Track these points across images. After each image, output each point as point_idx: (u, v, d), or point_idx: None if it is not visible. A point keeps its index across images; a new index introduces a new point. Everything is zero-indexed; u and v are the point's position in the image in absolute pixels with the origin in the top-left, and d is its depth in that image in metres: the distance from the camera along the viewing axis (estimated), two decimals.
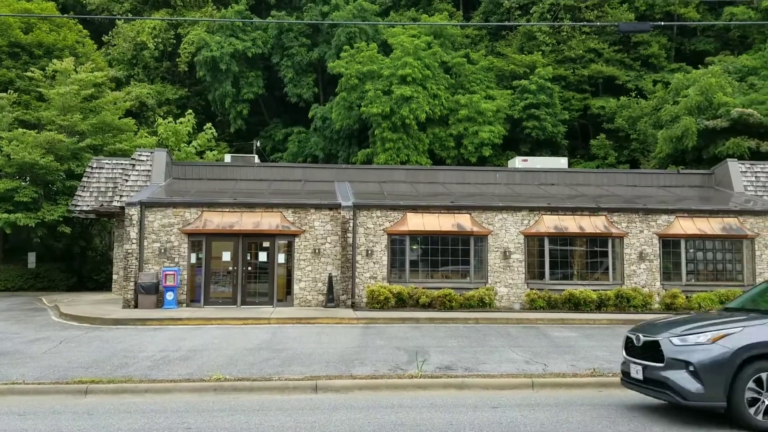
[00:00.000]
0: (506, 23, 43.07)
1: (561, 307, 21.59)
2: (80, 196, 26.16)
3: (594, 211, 23.04)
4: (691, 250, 23.15)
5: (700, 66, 38.68)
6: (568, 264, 22.82)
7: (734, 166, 26.87)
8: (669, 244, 22.97)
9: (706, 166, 30.71)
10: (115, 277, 26.42)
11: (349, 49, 40.23)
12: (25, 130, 28.90)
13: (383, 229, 22.20)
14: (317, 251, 22.04)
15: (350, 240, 21.87)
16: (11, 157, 27.62)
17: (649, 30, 14.92)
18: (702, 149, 32.91)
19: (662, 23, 15.96)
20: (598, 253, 22.90)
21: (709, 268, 23.14)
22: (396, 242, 22.33)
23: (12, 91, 32.20)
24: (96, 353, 14.29)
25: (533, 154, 38.52)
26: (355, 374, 12.24)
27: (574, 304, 21.51)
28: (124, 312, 20.41)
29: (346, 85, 38.92)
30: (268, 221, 21.92)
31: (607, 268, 22.81)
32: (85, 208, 25.98)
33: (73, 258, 32.28)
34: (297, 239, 22.07)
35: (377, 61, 38.87)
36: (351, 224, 21.93)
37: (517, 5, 44.79)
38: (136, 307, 21.17)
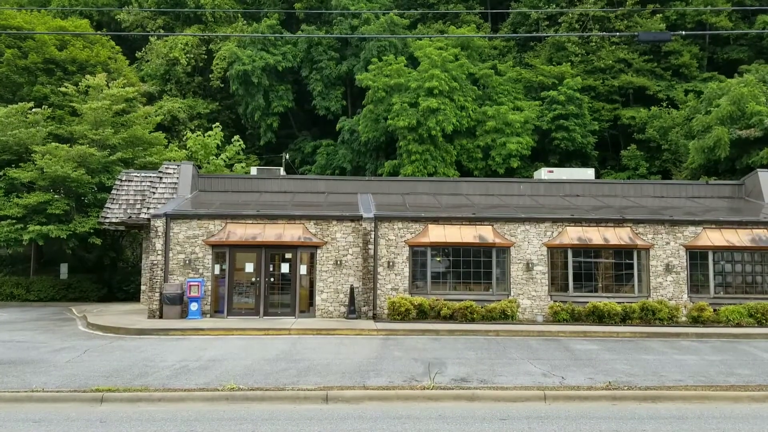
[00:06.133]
0: (534, 34, 42.93)
1: (585, 320, 21.30)
2: (109, 208, 26.66)
3: (619, 223, 22.75)
4: (720, 262, 22.67)
5: (735, 75, 38.01)
6: (593, 276, 22.54)
7: (765, 177, 26.30)
8: (696, 256, 22.54)
9: (739, 177, 30.09)
10: (143, 287, 26.81)
11: (377, 62, 40.47)
12: (58, 144, 29.54)
13: (405, 241, 22.22)
14: (339, 263, 22.14)
15: (371, 252, 21.93)
16: (44, 170, 28.25)
17: (669, 39, 14.74)
18: (735, 159, 32.30)
19: (683, 32, 15.67)
20: (623, 265, 22.58)
21: (738, 281, 22.64)
22: (417, 254, 22.32)
23: (46, 106, 32.98)
24: (117, 362, 14.53)
25: (563, 165, 38.25)
26: (367, 385, 12.26)
27: (598, 317, 21.21)
28: (149, 322, 20.71)
29: (373, 98, 39.15)
30: (291, 233, 22.11)
31: (632, 281, 22.47)
32: (114, 220, 26.45)
33: (104, 269, 32.86)
34: (319, 251, 22.20)
35: (404, 74, 39.04)
36: (372, 236, 21.99)
37: (545, 16, 44.63)
38: (161, 317, 21.47)
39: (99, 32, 42.51)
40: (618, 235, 22.47)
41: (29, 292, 30.55)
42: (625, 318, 21.19)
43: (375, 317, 21.61)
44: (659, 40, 15.99)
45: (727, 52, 43.41)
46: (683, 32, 15.91)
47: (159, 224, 22.05)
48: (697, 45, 43.40)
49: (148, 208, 25.17)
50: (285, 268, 22.36)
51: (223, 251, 22.19)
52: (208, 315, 21.85)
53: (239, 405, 11.13)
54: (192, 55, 46.13)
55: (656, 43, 39.81)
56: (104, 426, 9.80)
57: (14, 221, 28.36)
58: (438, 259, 22.55)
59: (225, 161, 36.88)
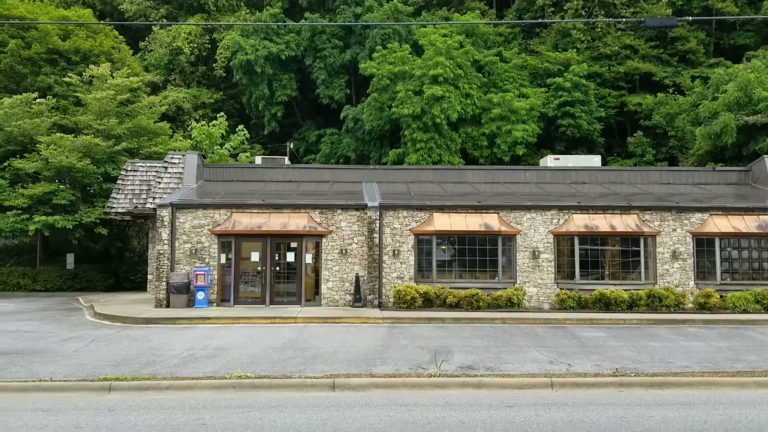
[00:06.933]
0: (539, 20, 42.67)
1: (591, 308, 21.26)
2: (115, 198, 26.70)
3: (625, 210, 22.66)
4: (727, 249, 22.61)
5: (744, 60, 37.71)
6: (599, 263, 22.48)
7: None
8: (703, 242, 22.47)
9: (746, 163, 29.93)
10: (149, 277, 26.89)
11: (381, 50, 40.29)
12: (62, 134, 29.56)
13: (410, 230, 22.18)
14: (344, 251, 22.13)
15: (377, 240, 21.90)
16: (49, 160, 28.26)
17: (676, 25, 14.61)
18: (742, 146, 32.12)
19: (690, 18, 15.54)
20: (629, 252, 22.51)
21: (745, 267, 22.56)
22: (423, 242, 22.29)
23: (50, 97, 32.94)
24: (125, 352, 14.58)
25: (569, 153, 38.10)
26: (373, 373, 12.27)
27: (605, 304, 21.17)
28: (156, 311, 20.78)
29: (377, 86, 39.02)
30: (296, 222, 22.10)
31: (639, 268, 22.41)
32: (120, 210, 26.50)
33: (111, 259, 32.92)
34: (324, 240, 22.19)
35: (409, 62, 38.86)
36: (377, 224, 21.96)
37: (551, 2, 44.32)
38: (167, 306, 21.53)
39: (102, 22, 42.45)
40: (625, 222, 22.39)
41: (36, 282, 30.66)
42: (631, 305, 21.15)
43: (380, 306, 21.62)
44: (665, 26, 15.86)
45: (733, 37, 43.09)
46: (690, 18, 15.77)
47: (165, 214, 22.07)
48: (704, 31, 43.07)
49: (154, 198, 25.20)
50: (290, 257, 22.38)
51: (228, 240, 22.20)
52: (215, 304, 21.90)
53: (246, 393, 11.16)
54: (195, 45, 46.06)
55: (662, 29, 39.56)
56: (112, 414, 9.83)
57: (20, 212, 28.40)
58: (443, 247, 22.52)
59: (230, 151, 36.88)
